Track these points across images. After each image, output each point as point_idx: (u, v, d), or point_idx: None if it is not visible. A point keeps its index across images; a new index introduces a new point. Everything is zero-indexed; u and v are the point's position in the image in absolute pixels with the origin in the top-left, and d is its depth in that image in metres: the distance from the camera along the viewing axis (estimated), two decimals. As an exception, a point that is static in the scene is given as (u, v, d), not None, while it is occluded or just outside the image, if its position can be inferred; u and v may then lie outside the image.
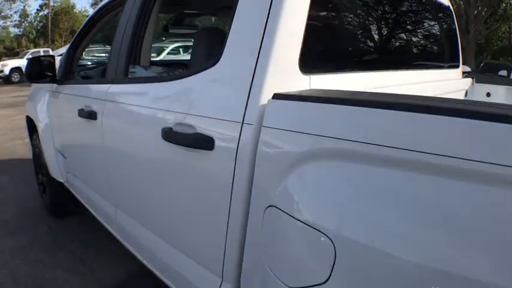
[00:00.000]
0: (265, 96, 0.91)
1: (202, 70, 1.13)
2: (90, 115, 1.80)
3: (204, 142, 1.03)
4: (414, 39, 1.68)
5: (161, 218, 1.40)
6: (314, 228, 0.75)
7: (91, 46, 2.82)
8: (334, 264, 0.72)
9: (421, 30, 1.76)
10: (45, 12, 36.93)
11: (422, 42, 1.77)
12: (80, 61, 2.84)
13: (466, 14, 14.01)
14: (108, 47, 2.11)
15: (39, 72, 2.40)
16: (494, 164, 0.56)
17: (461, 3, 14.40)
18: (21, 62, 19.03)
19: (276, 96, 0.89)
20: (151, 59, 2.28)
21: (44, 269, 2.50)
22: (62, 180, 2.68)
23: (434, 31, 1.94)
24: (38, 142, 3.04)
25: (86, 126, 1.90)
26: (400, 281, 0.65)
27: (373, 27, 1.31)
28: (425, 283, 0.61)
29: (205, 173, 1.08)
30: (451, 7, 2.07)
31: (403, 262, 0.64)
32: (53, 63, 2.45)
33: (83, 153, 2.16)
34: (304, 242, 0.77)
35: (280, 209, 0.84)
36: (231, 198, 0.99)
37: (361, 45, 1.24)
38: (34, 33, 39.14)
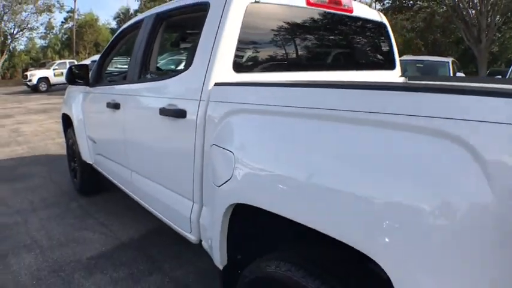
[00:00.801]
0: (211, 85, 1.69)
1: (182, 72, 1.93)
2: (115, 106, 2.64)
3: (181, 113, 1.81)
4: (341, 48, 2.42)
5: (156, 166, 2.21)
6: (226, 149, 1.52)
7: (115, 59, 3.69)
8: (233, 168, 1.48)
9: (349, 40, 2.49)
10: (70, 25, 38.62)
11: (349, 49, 2.50)
12: (107, 69, 3.71)
13: (478, 23, 14.49)
14: (128, 59, 2.95)
15: (76, 77, 3.28)
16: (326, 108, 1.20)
17: (473, 12, 14.89)
18: (48, 73, 20.23)
19: (216, 84, 1.66)
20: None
21: (73, 230, 3.31)
22: (91, 162, 3.52)
23: (365, 41, 2.66)
24: (72, 134, 3.91)
25: (111, 114, 2.74)
26: (270, 183, 1.33)
27: (292, 44, 2.06)
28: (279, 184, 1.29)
29: (182, 132, 1.85)
30: (384, 22, 2.70)
31: (273, 170, 1.34)
32: (87, 71, 3.32)
33: (108, 135, 3.01)
34: (222, 158, 1.54)
35: (215, 144, 1.61)
36: (194, 145, 1.77)
37: (279, 55, 2.00)
38: (59, 44, 41.17)
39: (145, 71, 2.41)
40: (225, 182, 1.50)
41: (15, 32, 33.44)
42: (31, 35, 37.36)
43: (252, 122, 1.45)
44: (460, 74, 8.21)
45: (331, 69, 2.28)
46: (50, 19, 36.85)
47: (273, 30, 1.95)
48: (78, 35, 36.61)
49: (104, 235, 3.21)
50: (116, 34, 3.25)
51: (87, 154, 3.54)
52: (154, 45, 2.40)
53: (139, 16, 2.76)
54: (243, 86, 1.57)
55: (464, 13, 14.79)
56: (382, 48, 2.74)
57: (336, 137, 1.15)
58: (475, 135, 0.84)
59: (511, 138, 0.79)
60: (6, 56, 33.21)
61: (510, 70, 7.30)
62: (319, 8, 2.12)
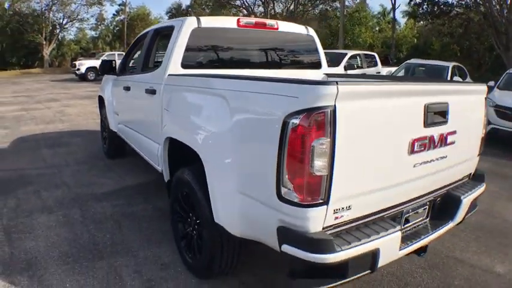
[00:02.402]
0: (167, 75, 3.08)
1: (158, 67, 3.37)
2: (128, 88, 4.16)
3: (154, 91, 3.23)
4: (270, 53, 3.74)
5: (143, 124, 3.70)
6: (167, 110, 2.95)
7: (135, 56, 5.37)
8: (167, 119, 2.93)
9: (278, 48, 3.76)
10: (121, 18, 40.92)
11: (278, 54, 3.78)
12: (129, 63, 5.28)
13: (506, 32, 14.86)
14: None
15: (107, 69, 4.89)
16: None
17: (503, 20, 15.20)
18: (97, 63, 21.87)
19: (170, 75, 3.05)
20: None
21: (96, 178, 4.82)
22: (116, 130, 5.07)
23: (293, 48, 3.91)
24: (104, 111, 5.53)
25: (126, 94, 4.26)
26: (178, 123, 2.80)
27: (225, 51, 3.42)
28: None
29: (154, 103, 3.24)
30: (310, 34, 3.90)
31: (180, 117, 2.78)
32: (115, 64, 4.92)
33: (124, 109, 4.56)
34: (165, 114, 2.95)
35: (165, 109, 3.05)
36: (159, 109, 3.21)
37: (214, 58, 3.40)
38: (110, 36, 43.85)
39: (145, 66, 3.92)
40: (164, 126, 2.96)
41: (64, 23, 35.43)
42: (81, 25, 39.08)
43: (176, 94, 2.91)
44: (456, 78, 9.19)
45: (262, 68, 3.59)
46: (101, 11, 38.91)
47: (210, 43, 3.35)
48: (129, 28, 38.20)
49: (117, 182, 4.69)
50: (136, 38, 4.81)
51: (113, 124, 5.11)
52: (152, 49, 3.89)
53: (148, 29, 4.29)
54: (177, 76, 3.02)
55: (497, 21, 15.19)
56: (310, 53, 4.01)
57: (195, 98, 2.62)
58: (228, 95, 2.19)
59: (240, 96, 2.13)
60: (55, 44, 35.39)
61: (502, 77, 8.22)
62: (248, 28, 3.48)
